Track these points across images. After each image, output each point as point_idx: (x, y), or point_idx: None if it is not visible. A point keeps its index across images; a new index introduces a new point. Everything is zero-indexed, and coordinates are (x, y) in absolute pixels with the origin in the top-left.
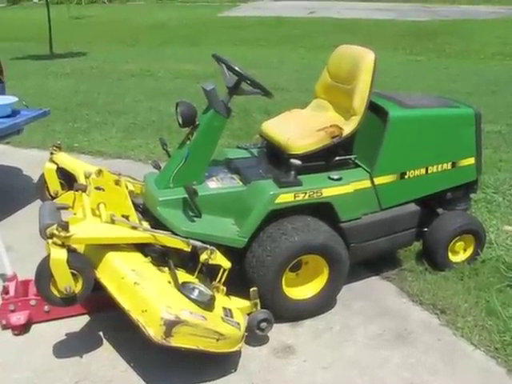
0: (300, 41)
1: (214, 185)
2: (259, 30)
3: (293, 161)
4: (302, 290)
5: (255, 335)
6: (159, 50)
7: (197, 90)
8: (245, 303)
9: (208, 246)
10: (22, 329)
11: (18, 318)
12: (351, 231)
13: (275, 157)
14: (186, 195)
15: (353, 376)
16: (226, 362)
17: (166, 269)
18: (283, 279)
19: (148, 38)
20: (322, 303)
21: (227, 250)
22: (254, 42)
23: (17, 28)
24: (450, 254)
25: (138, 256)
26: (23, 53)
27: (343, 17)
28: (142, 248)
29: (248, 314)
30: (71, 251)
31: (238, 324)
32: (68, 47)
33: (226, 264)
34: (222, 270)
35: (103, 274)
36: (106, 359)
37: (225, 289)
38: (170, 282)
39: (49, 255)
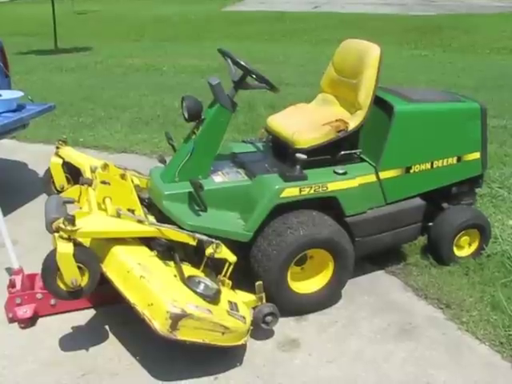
0: (304, 35)
1: (220, 179)
2: (263, 25)
3: (298, 155)
4: (307, 284)
5: (260, 329)
6: (163, 44)
7: (201, 84)
8: (250, 297)
9: (214, 240)
10: (29, 322)
11: (25, 311)
12: (356, 225)
13: (281, 151)
14: (192, 189)
15: (358, 370)
16: (231, 355)
17: (172, 263)
18: (288, 273)
19: (152, 33)
20: (327, 297)
21: (233, 244)
22: (258, 37)
23: (21, 23)
24: (455, 249)
25: (143, 250)
26: (28, 48)
27: (348, 11)
28: (148, 242)
29: (253, 308)
30: (77, 245)
31: (244, 318)
32: (72, 42)
33: (231, 258)
34: (227, 264)
35: (109, 268)
36: (112, 353)
37: (230, 282)
38: (175, 276)
39: (55, 249)
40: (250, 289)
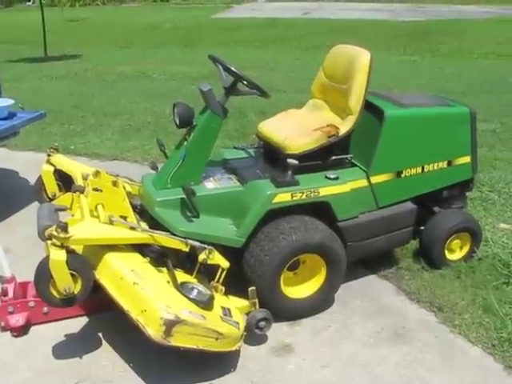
0: (295, 42)
1: (212, 185)
2: (253, 32)
3: (290, 160)
4: (299, 289)
5: (254, 334)
6: (154, 51)
7: (192, 91)
8: (243, 303)
9: (206, 246)
10: (21, 330)
11: (17, 319)
12: (348, 230)
13: (272, 157)
14: (184, 195)
15: (351, 374)
16: (225, 361)
17: (165, 269)
18: (281, 278)
19: (142, 40)
20: (320, 302)
21: (225, 250)
22: (248, 44)
23: (11, 30)
24: (446, 252)
25: (136, 256)
26: (17, 55)
27: (337, 18)
28: (141, 249)
29: (247, 314)
30: (70, 252)
31: (237, 323)
32: (62, 49)
33: (224, 264)
34: (220, 270)
35: (102, 275)
36: (106, 360)
37: (223, 288)
38: (168, 282)
39: (48, 256)
40: (243, 294)
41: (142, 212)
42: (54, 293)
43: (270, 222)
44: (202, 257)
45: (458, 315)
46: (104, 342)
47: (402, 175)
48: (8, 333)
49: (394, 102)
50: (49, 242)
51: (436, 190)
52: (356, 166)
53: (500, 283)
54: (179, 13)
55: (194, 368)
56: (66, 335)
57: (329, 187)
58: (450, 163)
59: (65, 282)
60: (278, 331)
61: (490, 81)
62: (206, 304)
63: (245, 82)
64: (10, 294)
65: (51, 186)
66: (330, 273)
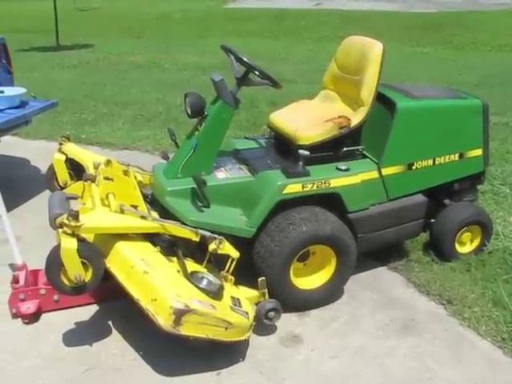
0: (306, 33)
1: (223, 175)
2: (265, 22)
3: (301, 151)
4: (309, 280)
5: (263, 324)
6: (165, 41)
7: (203, 81)
8: (253, 293)
9: (217, 236)
10: (32, 318)
11: (28, 307)
12: (359, 222)
13: (283, 147)
14: (195, 185)
15: (360, 365)
16: (234, 351)
17: (175, 258)
18: (291, 269)
19: (154, 30)
20: (330, 293)
21: (235, 240)
22: (259, 34)
23: (23, 20)
24: (456, 245)
25: (147, 245)
26: (29, 44)
27: (349, 8)
28: (151, 238)
29: (256, 304)
30: (81, 240)
31: (247, 313)
32: (74, 39)
33: (234, 254)
34: (230, 260)
35: (113, 263)
36: (115, 348)
37: (233, 278)
38: (179, 272)
39: (59, 244)
40: (253, 285)
41: (153, 201)
42: (65, 281)
43: (281, 213)
44: (212, 247)
45: (467, 308)
46: (114, 330)
47: (413, 167)
48: (19, 320)
49: (406, 93)
50: (60, 230)
51: (447, 182)
52: (367, 157)
53: (510, 277)
54: (190, 2)
55: (203, 357)
56: (76, 323)
57: (339, 178)
58: (461, 156)
59: (75, 270)
60: (287, 322)
61: (504, 73)
62: (216, 294)
63: (257, 73)
64: (22, 282)
65: (62, 174)
66: (339, 264)
